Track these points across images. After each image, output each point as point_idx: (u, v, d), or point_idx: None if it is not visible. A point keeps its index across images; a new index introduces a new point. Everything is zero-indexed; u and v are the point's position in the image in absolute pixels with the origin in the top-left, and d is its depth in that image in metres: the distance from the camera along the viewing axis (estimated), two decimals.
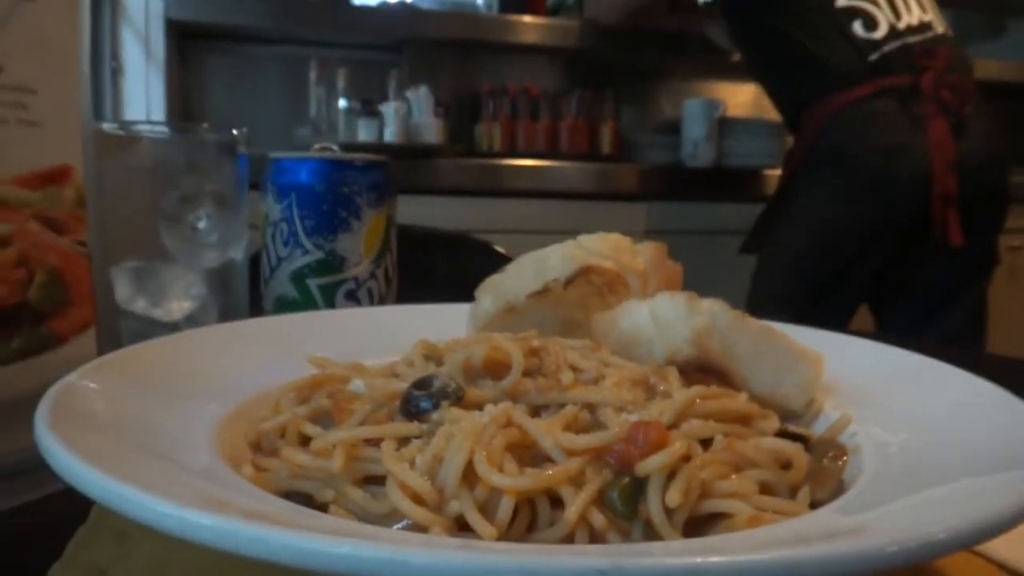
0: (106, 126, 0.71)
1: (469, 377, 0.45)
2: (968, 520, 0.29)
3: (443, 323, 0.58)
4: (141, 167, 0.71)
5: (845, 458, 0.44)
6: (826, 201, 1.81)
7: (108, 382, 0.44)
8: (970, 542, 0.29)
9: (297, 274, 0.79)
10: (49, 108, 0.54)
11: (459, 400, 0.42)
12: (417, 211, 1.88)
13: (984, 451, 0.39)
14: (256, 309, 0.81)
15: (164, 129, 0.81)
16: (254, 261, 0.82)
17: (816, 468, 0.43)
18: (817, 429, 0.49)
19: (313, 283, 0.79)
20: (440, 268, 1.58)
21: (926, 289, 1.87)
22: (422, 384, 0.43)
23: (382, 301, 0.82)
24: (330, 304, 0.79)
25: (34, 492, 0.49)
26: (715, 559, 0.24)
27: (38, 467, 0.35)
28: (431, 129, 2.67)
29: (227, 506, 0.30)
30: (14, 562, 0.42)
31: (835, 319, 1.81)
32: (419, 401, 0.42)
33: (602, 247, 0.55)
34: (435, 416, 0.41)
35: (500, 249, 1.59)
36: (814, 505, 0.39)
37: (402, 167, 2.26)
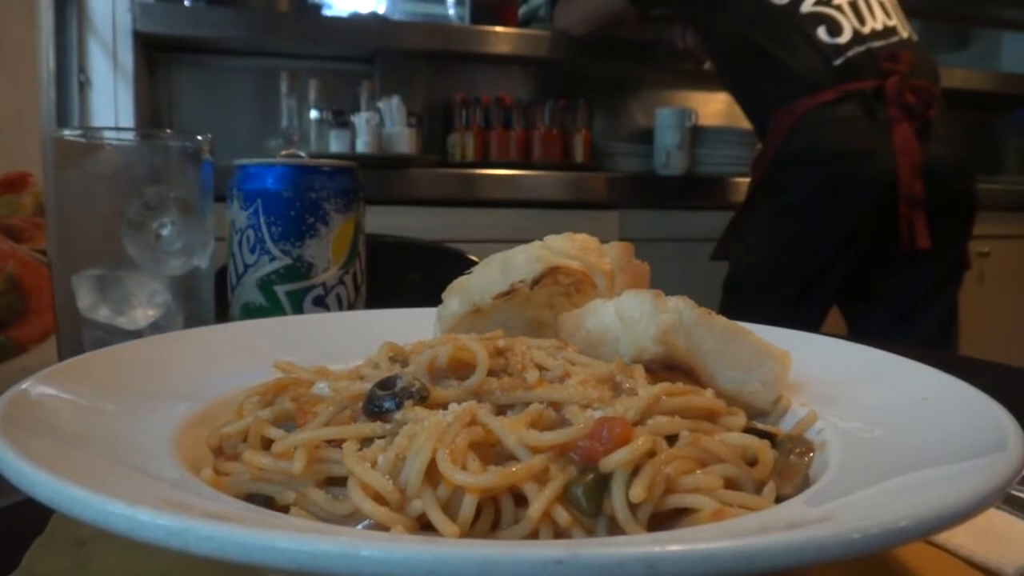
0: (67, 133, 0.70)
1: (434, 378, 0.45)
2: (929, 508, 0.29)
3: (410, 327, 0.57)
4: (103, 174, 0.70)
5: (811, 454, 0.44)
6: (793, 206, 1.83)
7: (64, 388, 0.43)
8: (931, 530, 0.29)
9: (264, 281, 0.78)
10: (6, 114, 0.53)
11: (423, 400, 0.42)
12: (390, 221, 1.88)
13: (948, 443, 0.39)
14: (223, 317, 0.80)
15: (127, 136, 0.80)
16: (221, 274, 0.81)
17: (782, 464, 0.42)
18: (784, 426, 0.49)
19: (280, 289, 0.78)
20: (413, 278, 1.58)
21: (897, 295, 1.89)
22: (385, 384, 0.42)
23: (351, 307, 0.81)
24: (298, 310, 0.78)
25: None
26: (673, 547, 0.23)
27: None
28: (403, 139, 2.66)
29: (178, 505, 0.29)
30: None
31: (806, 325, 1.80)
32: (382, 401, 0.41)
33: (569, 247, 0.55)
34: (398, 416, 0.40)
35: (474, 258, 1.58)
36: (780, 500, 0.39)
37: (375, 177, 2.26)
